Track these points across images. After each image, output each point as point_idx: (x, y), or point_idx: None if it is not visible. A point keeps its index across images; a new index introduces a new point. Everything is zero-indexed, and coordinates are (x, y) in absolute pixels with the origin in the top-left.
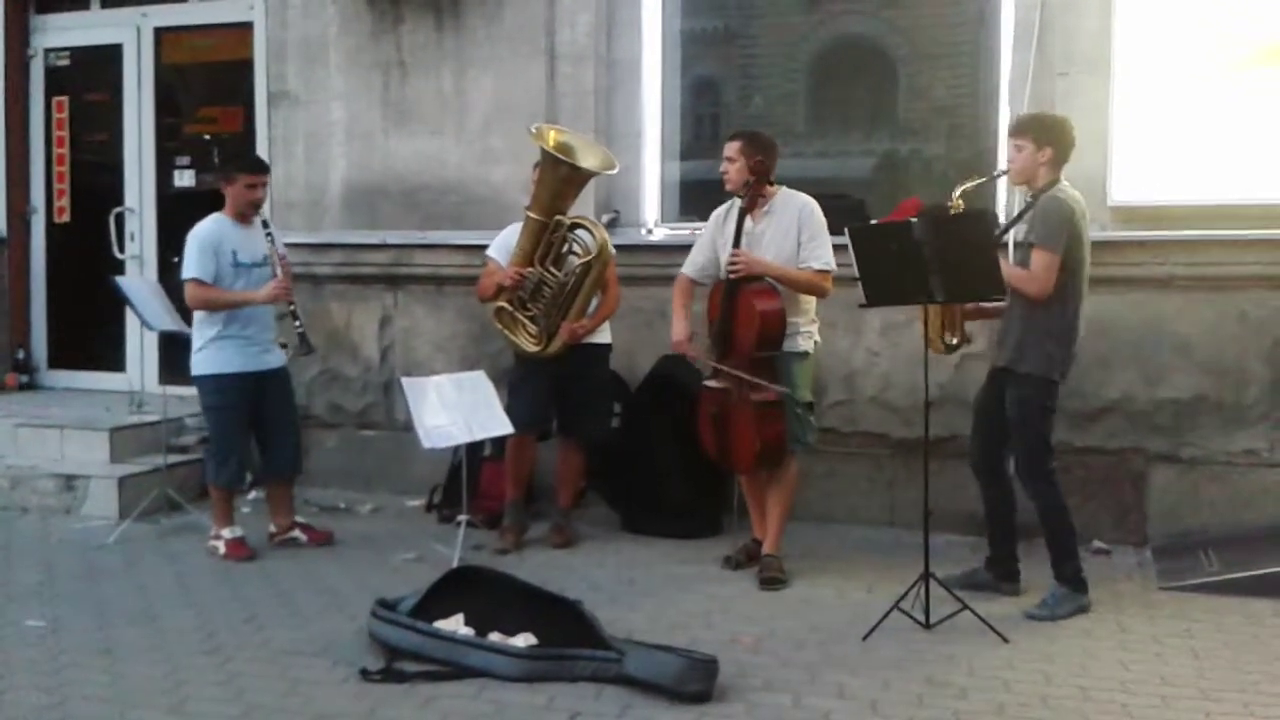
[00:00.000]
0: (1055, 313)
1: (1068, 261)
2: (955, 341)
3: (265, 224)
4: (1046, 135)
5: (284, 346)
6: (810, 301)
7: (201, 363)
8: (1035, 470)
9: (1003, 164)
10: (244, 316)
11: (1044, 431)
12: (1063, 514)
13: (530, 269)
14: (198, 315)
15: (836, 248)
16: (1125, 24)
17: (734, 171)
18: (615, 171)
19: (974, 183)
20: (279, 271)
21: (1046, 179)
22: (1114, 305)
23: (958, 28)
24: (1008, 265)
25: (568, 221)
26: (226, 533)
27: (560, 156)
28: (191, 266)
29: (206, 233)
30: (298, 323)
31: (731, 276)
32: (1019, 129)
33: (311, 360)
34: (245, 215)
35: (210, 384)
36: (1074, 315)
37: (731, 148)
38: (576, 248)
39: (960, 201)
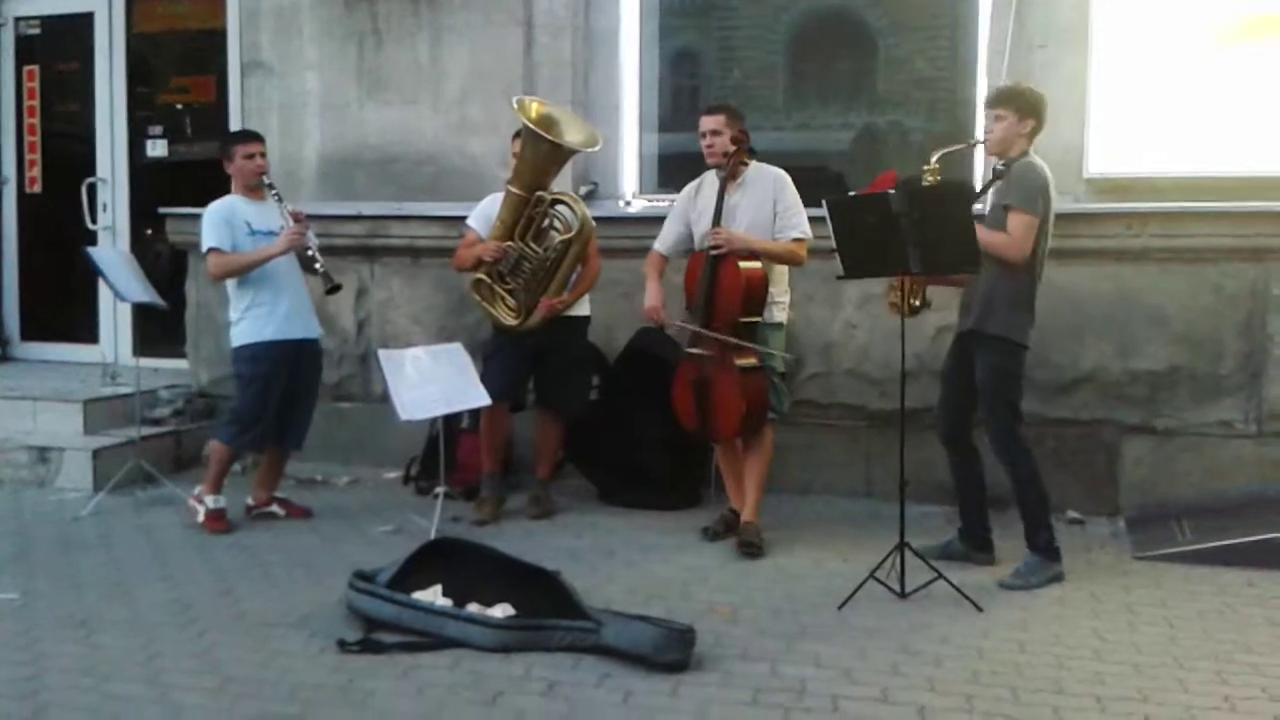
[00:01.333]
0: (1023, 278)
1: (1040, 228)
2: (918, 304)
3: (270, 185)
4: (1029, 107)
5: (321, 274)
6: (784, 273)
7: (239, 334)
8: (1007, 438)
9: (980, 134)
10: (274, 285)
11: (1014, 398)
12: (1036, 481)
13: (510, 244)
14: (231, 288)
15: (814, 219)
16: None
17: (720, 144)
18: (598, 148)
19: (950, 149)
20: (291, 223)
21: (1020, 151)
22: (1089, 276)
23: (936, 0)
24: (984, 230)
25: (549, 197)
26: (210, 501)
27: (543, 134)
28: (208, 237)
29: (218, 206)
30: (318, 264)
31: (713, 254)
32: (999, 99)
33: None
34: (254, 189)
35: (246, 352)
36: (1036, 282)
37: (716, 120)
38: (558, 223)
39: (936, 166)
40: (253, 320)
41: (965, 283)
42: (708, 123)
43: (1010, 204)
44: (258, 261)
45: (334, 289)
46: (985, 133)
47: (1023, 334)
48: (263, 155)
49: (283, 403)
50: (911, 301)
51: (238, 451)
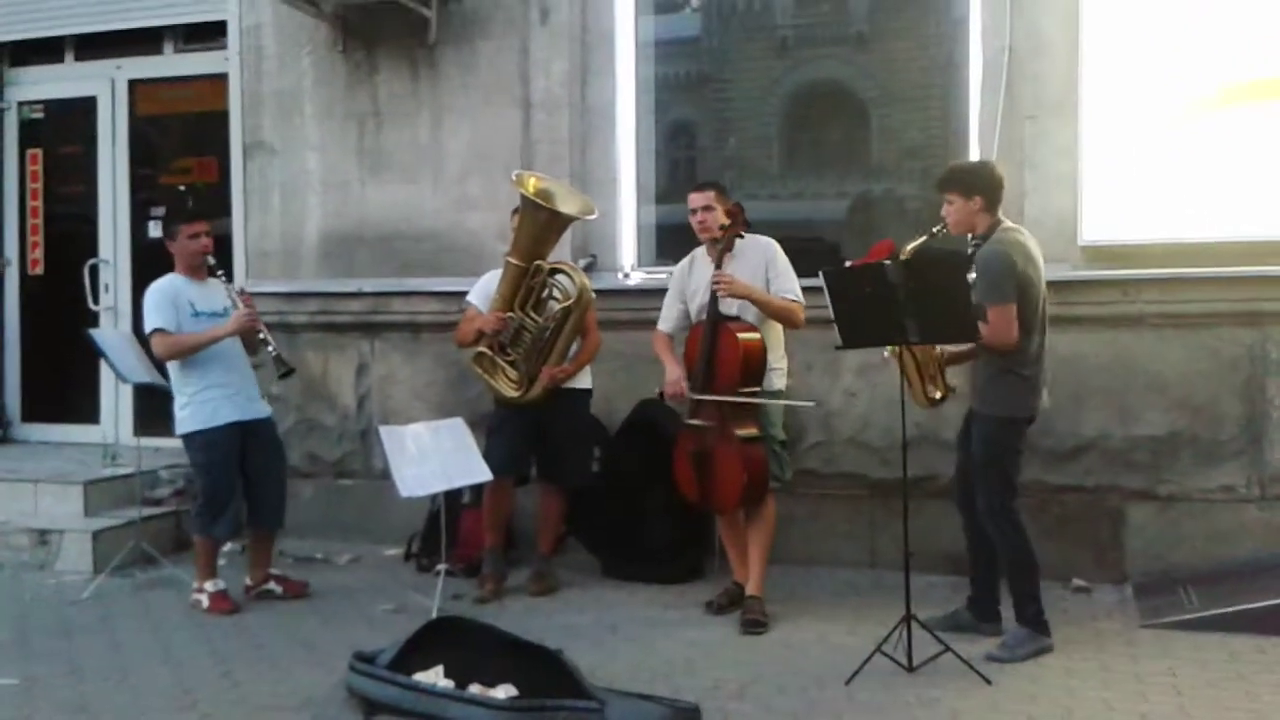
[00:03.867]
0: (1016, 354)
1: (1020, 305)
2: (939, 396)
3: (214, 267)
4: (970, 184)
5: (275, 359)
6: (780, 340)
7: (188, 419)
8: (996, 510)
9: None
10: (224, 367)
11: (1008, 472)
12: (1025, 556)
13: (510, 314)
14: (175, 372)
15: (812, 289)
16: (1092, 68)
17: (712, 219)
18: (594, 217)
19: (918, 242)
20: (240, 305)
21: (986, 224)
22: (1086, 344)
23: (928, 71)
24: None
25: (547, 267)
26: (209, 586)
27: (540, 202)
28: (153, 319)
29: (161, 286)
30: (270, 347)
31: (716, 289)
32: (943, 186)
33: (288, 409)
34: (196, 269)
35: (200, 439)
36: (1035, 355)
37: (706, 196)
38: (556, 293)
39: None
40: (202, 404)
41: (974, 356)
42: (698, 199)
43: (980, 301)
44: (207, 342)
45: (287, 373)
46: (943, 217)
47: (1016, 408)
48: (208, 235)
49: (248, 484)
50: (931, 394)
51: (218, 540)
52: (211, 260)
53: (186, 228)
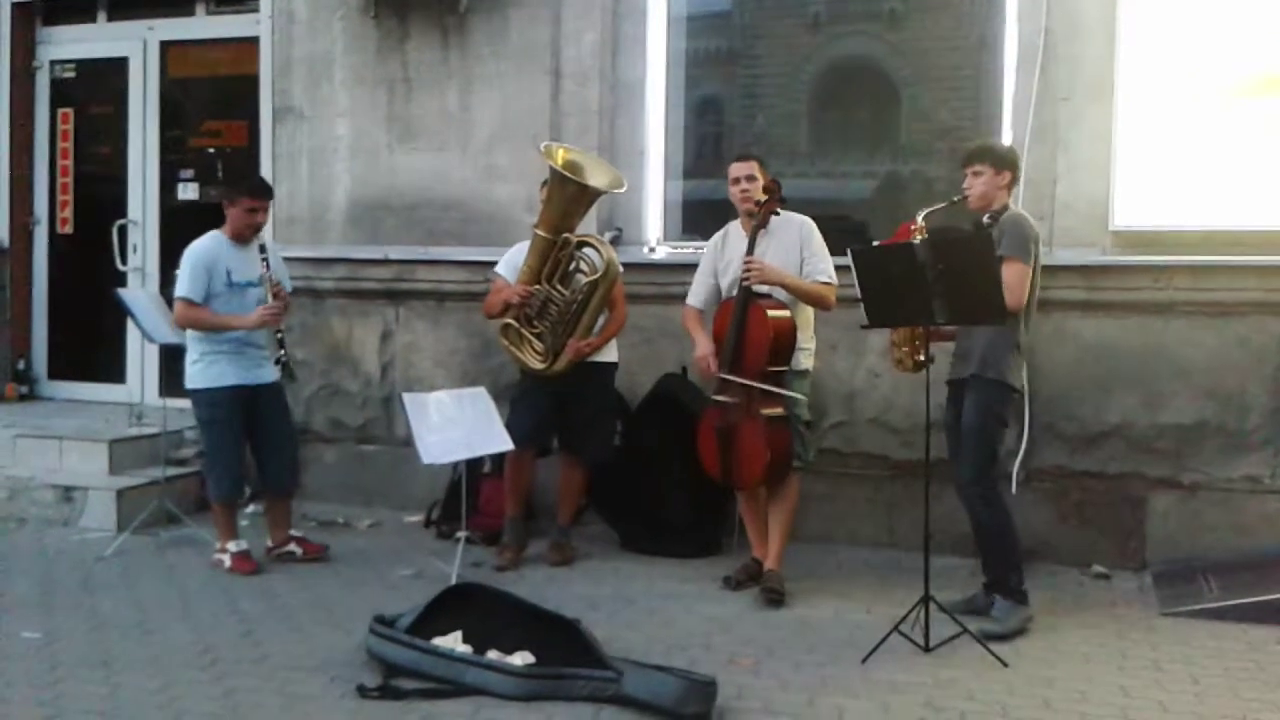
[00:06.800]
0: (1014, 325)
1: (1031, 277)
2: (923, 359)
3: (262, 248)
4: (1003, 160)
5: (279, 363)
6: (809, 320)
7: (196, 376)
8: (977, 479)
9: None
10: (239, 331)
11: (995, 442)
12: (1008, 525)
13: (537, 286)
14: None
15: (838, 268)
16: (1128, 51)
17: (755, 189)
18: (624, 190)
19: (935, 208)
20: (269, 297)
21: (1002, 203)
22: (1115, 330)
23: (961, 51)
24: None
25: (575, 240)
26: (232, 546)
27: (569, 175)
28: (183, 285)
29: (203, 251)
30: (282, 351)
31: (745, 282)
32: (974, 157)
33: (312, 375)
34: (244, 236)
35: (205, 397)
36: (1026, 329)
37: (750, 166)
38: (584, 266)
39: (924, 224)
40: (211, 362)
41: (956, 335)
42: (740, 169)
43: (1003, 254)
44: (225, 327)
45: (289, 382)
46: (965, 189)
47: (1016, 378)
48: (265, 211)
49: (258, 448)
50: (917, 358)
51: (227, 502)
52: (264, 237)
53: (249, 200)
